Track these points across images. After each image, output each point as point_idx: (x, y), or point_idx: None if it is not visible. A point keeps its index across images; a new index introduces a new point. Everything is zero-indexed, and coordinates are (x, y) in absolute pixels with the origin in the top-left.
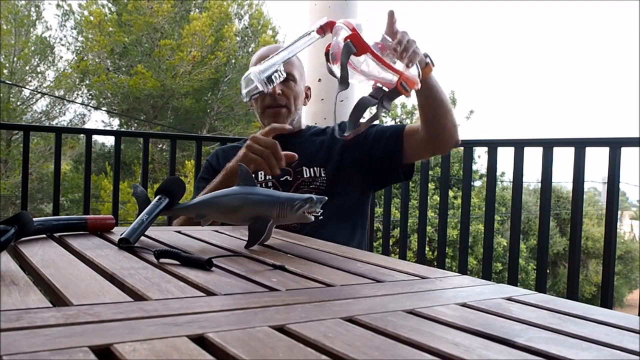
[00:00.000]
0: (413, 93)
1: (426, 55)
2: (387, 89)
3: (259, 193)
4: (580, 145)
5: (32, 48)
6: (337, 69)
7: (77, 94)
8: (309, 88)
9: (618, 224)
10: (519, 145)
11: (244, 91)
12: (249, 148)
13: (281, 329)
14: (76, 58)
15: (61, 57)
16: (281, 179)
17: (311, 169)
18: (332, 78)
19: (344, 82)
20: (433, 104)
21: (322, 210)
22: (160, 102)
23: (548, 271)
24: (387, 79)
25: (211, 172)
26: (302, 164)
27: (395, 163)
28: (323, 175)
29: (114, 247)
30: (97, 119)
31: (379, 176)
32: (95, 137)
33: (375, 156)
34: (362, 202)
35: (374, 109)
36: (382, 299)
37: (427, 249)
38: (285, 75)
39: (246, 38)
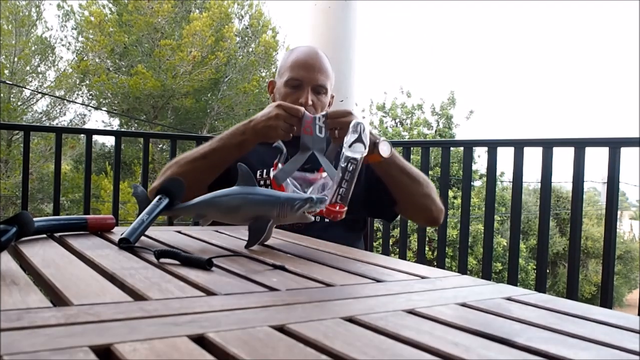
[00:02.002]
0: None
1: (375, 143)
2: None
3: (259, 193)
4: (580, 145)
5: (33, 48)
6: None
7: (78, 94)
8: (333, 96)
9: (618, 224)
10: (518, 145)
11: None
12: (278, 117)
13: (281, 329)
14: (76, 58)
15: (61, 57)
16: None
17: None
18: (334, 78)
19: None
20: (392, 188)
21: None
22: (160, 102)
23: (548, 271)
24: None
25: None
26: (314, 168)
27: (388, 210)
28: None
29: (114, 247)
30: (98, 119)
31: (373, 205)
32: (95, 137)
33: (375, 193)
34: (362, 217)
35: None
36: (382, 299)
37: (427, 249)
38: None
39: (246, 38)
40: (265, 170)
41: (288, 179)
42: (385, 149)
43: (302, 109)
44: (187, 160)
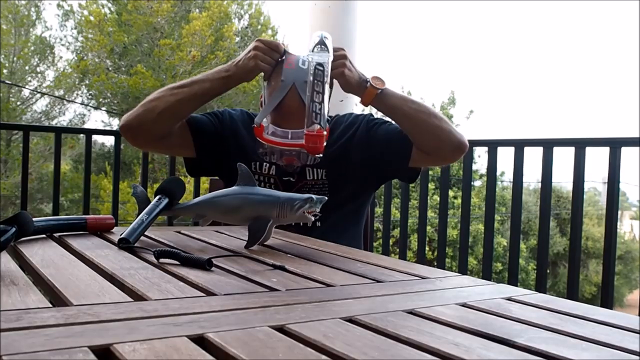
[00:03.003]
0: None
1: (366, 81)
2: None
3: (259, 193)
4: (580, 145)
5: (32, 48)
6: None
7: (77, 94)
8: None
9: (618, 224)
10: (519, 145)
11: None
12: (256, 48)
13: (281, 329)
14: (76, 58)
15: (61, 57)
16: (284, 179)
17: (314, 170)
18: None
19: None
20: (400, 119)
21: (320, 215)
22: None
23: (548, 271)
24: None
25: (211, 117)
26: (306, 164)
27: (402, 166)
28: (324, 178)
29: (113, 247)
30: (97, 119)
31: (383, 176)
32: (95, 137)
33: (383, 159)
34: (362, 207)
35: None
36: (382, 299)
37: (427, 249)
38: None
39: (246, 38)
40: (258, 164)
41: (272, 126)
42: (378, 82)
43: (282, 45)
44: (168, 88)
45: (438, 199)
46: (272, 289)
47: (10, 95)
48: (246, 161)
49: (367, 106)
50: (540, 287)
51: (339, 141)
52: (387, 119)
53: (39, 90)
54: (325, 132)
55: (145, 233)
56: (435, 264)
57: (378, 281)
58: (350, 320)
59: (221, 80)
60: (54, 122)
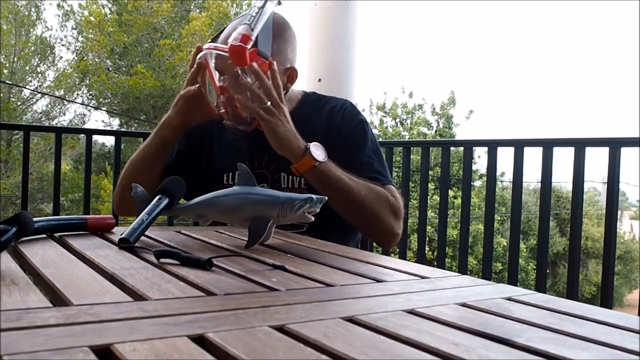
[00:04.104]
0: None
1: (307, 147)
2: None
3: (259, 193)
4: (580, 145)
5: (32, 48)
6: None
7: (77, 94)
8: (292, 69)
9: (618, 224)
10: (519, 145)
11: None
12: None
13: (281, 329)
14: (76, 58)
15: (61, 57)
16: None
17: (290, 178)
18: (332, 79)
19: None
20: (331, 200)
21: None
22: (160, 102)
23: (548, 271)
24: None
25: (179, 145)
26: (280, 169)
27: None
28: (304, 187)
29: (114, 247)
30: (97, 119)
31: None
32: (95, 137)
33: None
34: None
35: None
36: (382, 299)
37: (427, 249)
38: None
39: None
40: (231, 175)
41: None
42: (319, 153)
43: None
44: (130, 160)
45: (438, 199)
46: (272, 289)
47: (11, 96)
48: (214, 172)
49: (299, 174)
50: (540, 287)
51: (327, 137)
52: (372, 138)
53: (39, 91)
54: (248, 46)
55: (146, 233)
56: (435, 264)
57: (378, 281)
58: (350, 320)
59: (164, 129)
60: (54, 122)
